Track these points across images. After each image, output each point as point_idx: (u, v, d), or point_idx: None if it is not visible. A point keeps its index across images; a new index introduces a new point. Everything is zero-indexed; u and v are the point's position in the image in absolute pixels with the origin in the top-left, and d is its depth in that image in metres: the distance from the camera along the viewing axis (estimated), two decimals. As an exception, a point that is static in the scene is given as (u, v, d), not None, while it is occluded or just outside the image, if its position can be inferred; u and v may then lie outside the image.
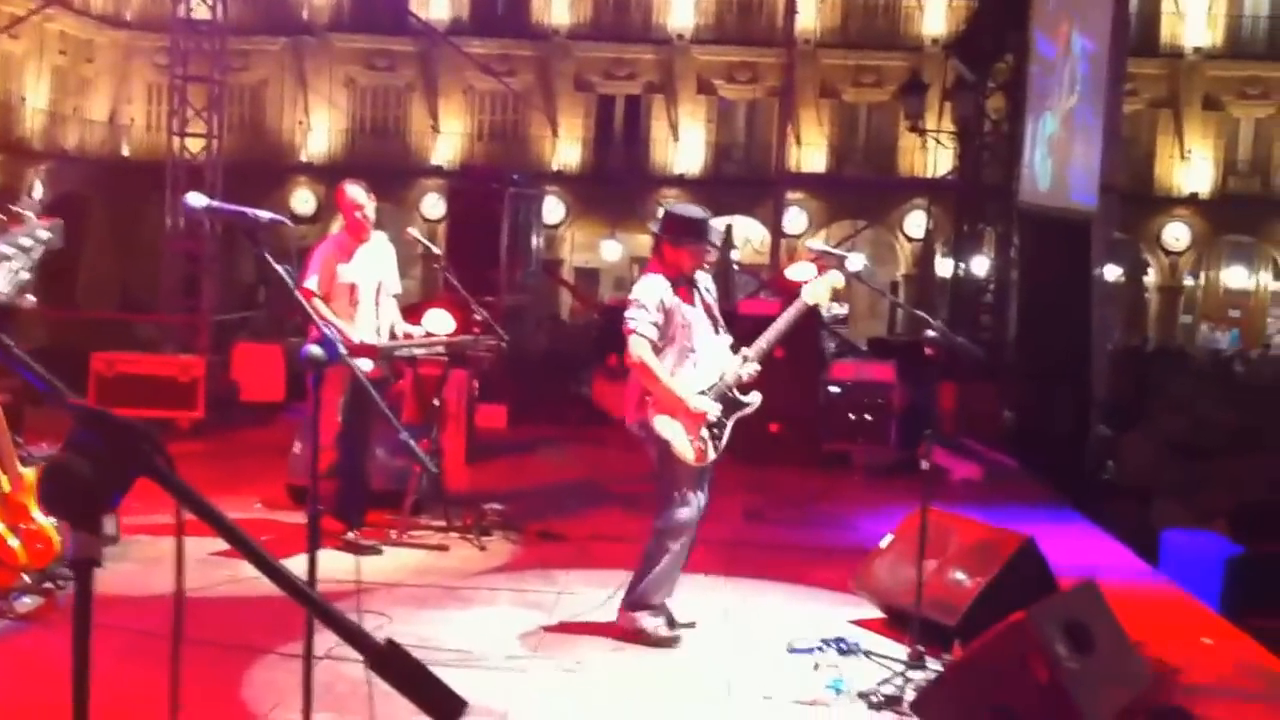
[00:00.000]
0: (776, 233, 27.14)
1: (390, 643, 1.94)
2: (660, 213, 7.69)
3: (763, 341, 7.53)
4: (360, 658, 1.93)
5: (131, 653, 5.96)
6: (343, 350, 4.19)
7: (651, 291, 7.34)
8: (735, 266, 27.02)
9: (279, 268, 4.02)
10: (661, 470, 7.45)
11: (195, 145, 19.54)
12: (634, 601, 7.54)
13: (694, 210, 7.68)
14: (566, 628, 7.80)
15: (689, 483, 7.44)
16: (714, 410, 7.34)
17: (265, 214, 4.16)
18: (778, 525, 11.34)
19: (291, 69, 42.47)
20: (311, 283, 9.34)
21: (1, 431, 7.17)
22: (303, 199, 41.73)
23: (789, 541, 10.62)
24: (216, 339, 18.66)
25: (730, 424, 7.46)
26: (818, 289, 7.59)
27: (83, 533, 2.00)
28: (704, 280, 7.67)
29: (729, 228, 28.20)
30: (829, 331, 15.03)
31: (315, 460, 4.74)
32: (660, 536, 7.48)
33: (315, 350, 4.09)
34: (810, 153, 40.11)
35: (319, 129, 42.60)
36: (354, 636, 1.96)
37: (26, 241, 2.94)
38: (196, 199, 4.22)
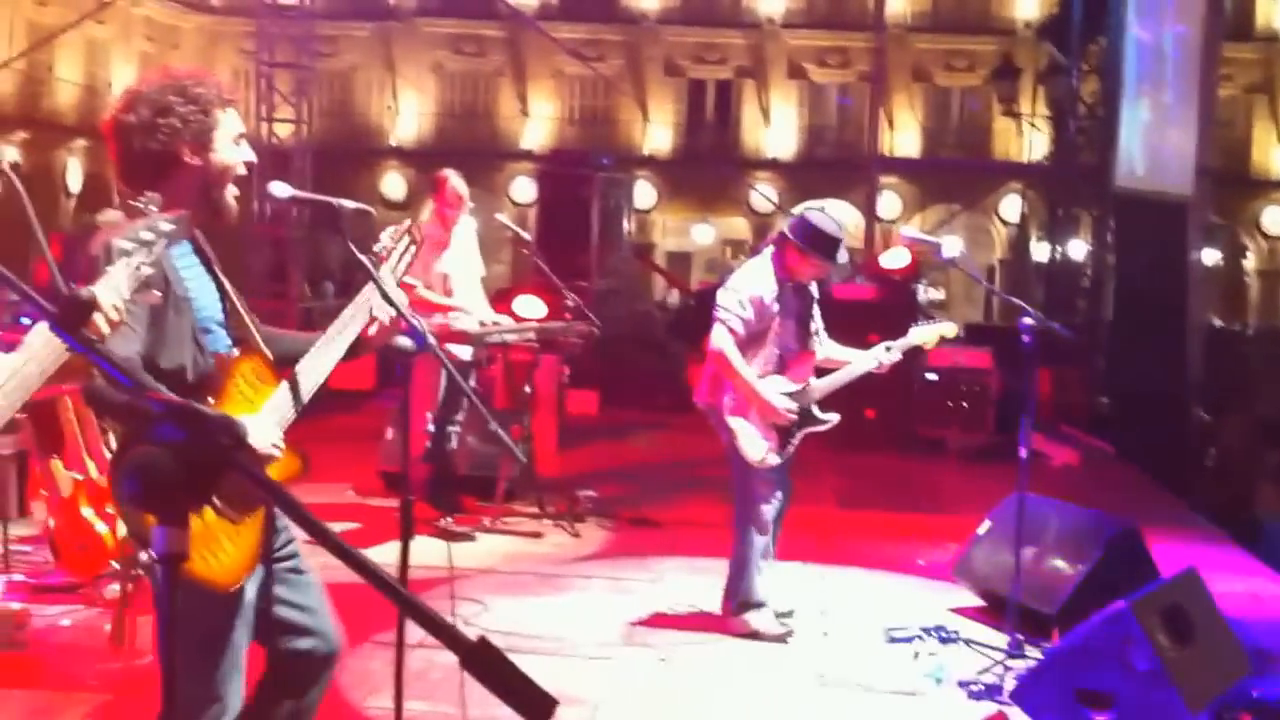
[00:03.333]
0: (870, 217, 26.83)
1: (483, 640, 1.88)
2: (797, 218, 7.38)
3: (900, 344, 7.40)
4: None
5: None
6: (431, 340, 4.14)
7: (754, 284, 7.14)
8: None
9: (363, 258, 3.98)
10: (734, 461, 7.27)
11: (284, 131, 19.62)
12: (740, 605, 7.39)
13: (832, 226, 7.27)
14: (661, 616, 7.73)
15: (763, 475, 7.25)
16: (793, 415, 7.16)
17: (349, 203, 4.12)
18: (873, 511, 11.25)
19: (379, 54, 42.68)
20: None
21: (87, 420, 7.19)
22: (393, 184, 41.99)
23: (884, 528, 10.51)
24: (304, 325, 18.67)
25: (800, 436, 7.27)
26: (925, 334, 7.52)
27: (171, 528, 1.97)
28: (812, 289, 7.46)
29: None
30: (925, 317, 14.89)
31: (407, 448, 4.70)
32: (745, 535, 7.33)
33: (403, 340, 4.06)
34: (903, 137, 39.79)
35: (408, 114, 42.79)
36: (446, 633, 1.90)
37: (148, 235, 2.89)
38: (281, 188, 4.16)
